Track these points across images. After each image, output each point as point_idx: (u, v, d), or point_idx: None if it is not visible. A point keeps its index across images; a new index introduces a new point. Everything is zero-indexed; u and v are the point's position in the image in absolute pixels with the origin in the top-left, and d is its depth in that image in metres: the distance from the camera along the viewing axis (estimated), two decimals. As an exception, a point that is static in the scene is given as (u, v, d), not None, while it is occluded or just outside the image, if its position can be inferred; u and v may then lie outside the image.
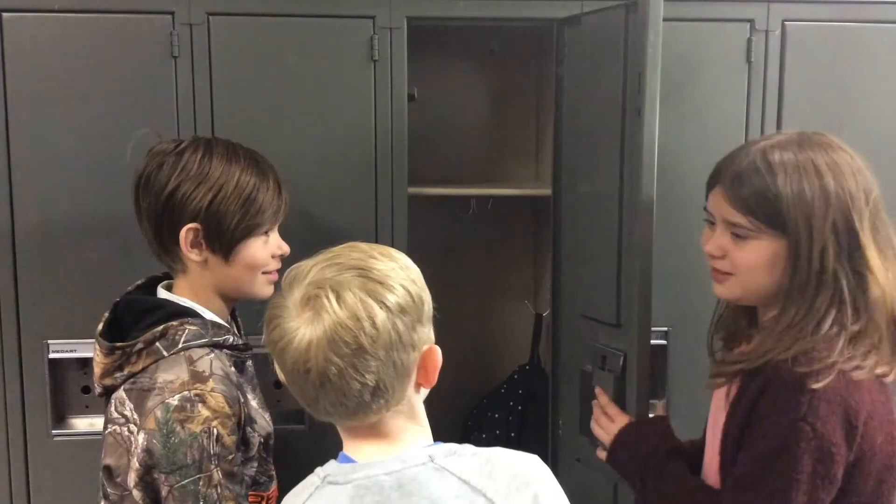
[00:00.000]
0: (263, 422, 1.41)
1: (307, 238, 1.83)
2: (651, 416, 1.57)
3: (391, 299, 1.00)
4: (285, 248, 1.48)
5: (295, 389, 1.04)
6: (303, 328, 0.99)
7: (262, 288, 1.45)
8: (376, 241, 1.85)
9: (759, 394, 1.21)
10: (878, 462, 1.21)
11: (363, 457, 1.03)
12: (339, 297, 0.99)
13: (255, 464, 1.36)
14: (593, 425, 1.56)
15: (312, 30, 1.81)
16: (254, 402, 1.41)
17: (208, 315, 1.39)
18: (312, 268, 1.04)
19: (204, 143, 1.40)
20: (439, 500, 0.98)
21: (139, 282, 1.47)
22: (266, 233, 1.42)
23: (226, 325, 1.42)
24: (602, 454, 1.51)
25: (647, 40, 1.49)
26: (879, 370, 1.20)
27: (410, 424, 1.06)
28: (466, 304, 2.42)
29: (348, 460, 1.04)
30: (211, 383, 1.26)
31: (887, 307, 1.21)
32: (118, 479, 1.29)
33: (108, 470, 1.31)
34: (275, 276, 1.47)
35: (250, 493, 1.36)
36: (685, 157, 1.92)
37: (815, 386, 1.15)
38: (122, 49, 1.77)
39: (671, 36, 1.88)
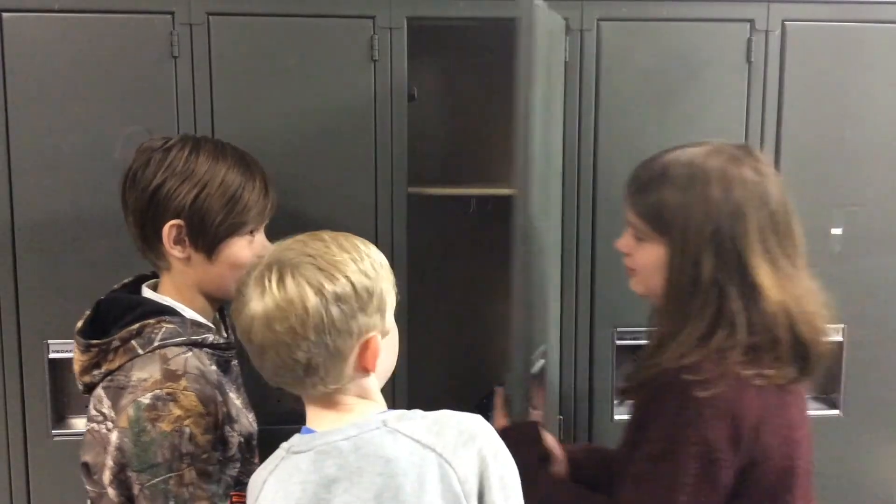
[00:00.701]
0: (246, 422, 1.40)
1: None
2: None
3: (329, 288, 1.07)
4: (271, 249, 1.47)
5: (248, 352, 1.13)
6: (252, 302, 1.08)
7: None
8: (376, 242, 1.85)
9: (651, 399, 1.25)
10: (775, 466, 1.23)
11: (322, 426, 1.11)
12: (280, 280, 1.08)
13: (238, 465, 1.35)
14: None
15: (312, 30, 1.81)
16: (237, 402, 1.40)
17: (189, 314, 1.39)
18: (277, 248, 1.14)
19: (192, 141, 1.40)
20: (393, 459, 1.06)
21: (126, 280, 1.47)
22: (251, 232, 1.42)
23: (207, 323, 1.41)
24: None
25: (522, 48, 1.52)
26: (781, 380, 1.23)
27: (364, 400, 1.14)
28: (466, 303, 2.42)
29: (309, 431, 1.12)
30: (184, 382, 1.26)
31: (786, 321, 1.22)
32: (95, 477, 1.29)
33: (86, 467, 1.31)
34: None
35: (235, 493, 1.34)
36: (685, 157, 1.92)
37: (702, 395, 1.18)
38: (122, 49, 1.77)
39: (671, 36, 1.90)
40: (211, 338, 1.38)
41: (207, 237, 1.37)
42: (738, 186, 1.23)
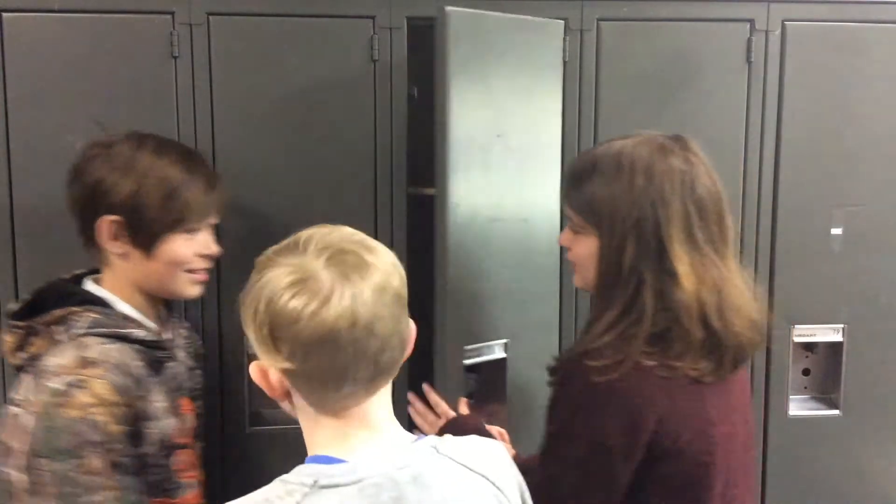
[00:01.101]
0: (168, 426, 1.37)
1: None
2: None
3: (398, 268, 1.04)
4: (213, 249, 1.46)
5: (316, 363, 0.95)
6: (341, 286, 0.94)
7: (185, 287, 1.44)
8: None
9: (558, 383, 1.28)
10: (689, 462, 1.22)
11: (350, 450, 0.98)
12: (372, 251, 1.00)
13: (157, 470, 1.34)
14: (418, 419, 1.65)
15: (312, 30, 1.81)
16: (161, 403, 1.37)
17: (124, 308, 1.39)
18: (312, 237, 1.01)
19: (137, 137, 1.41)
20: (453, 488, 0.98)
21: (77, 271, 1.48)
22: (192, 230, 1.41)
23: (139, 319, 1.40)
24: None
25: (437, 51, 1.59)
26: (693, 372, 1.22)
27: (389, 413, 1.04)
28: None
29: (332, 460, 0.97)
30: (99, 370, 1.26)
31: (697, 311, 1.21)
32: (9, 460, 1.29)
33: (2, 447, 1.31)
34: (201, 276, 1.45)
35: (156, 499, 1.34)
36: (685, 157, 1.92)
37: (598, 380, 1.18)
38: (122, 49, 1.77)
39: (671, 36, 1.90)
40: (137, 333, 1.36)
41: (145, 233, 1.37)
42: (664, 175, 1.23)
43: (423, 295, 2.04)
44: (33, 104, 1.77)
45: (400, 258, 1.83)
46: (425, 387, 1.67)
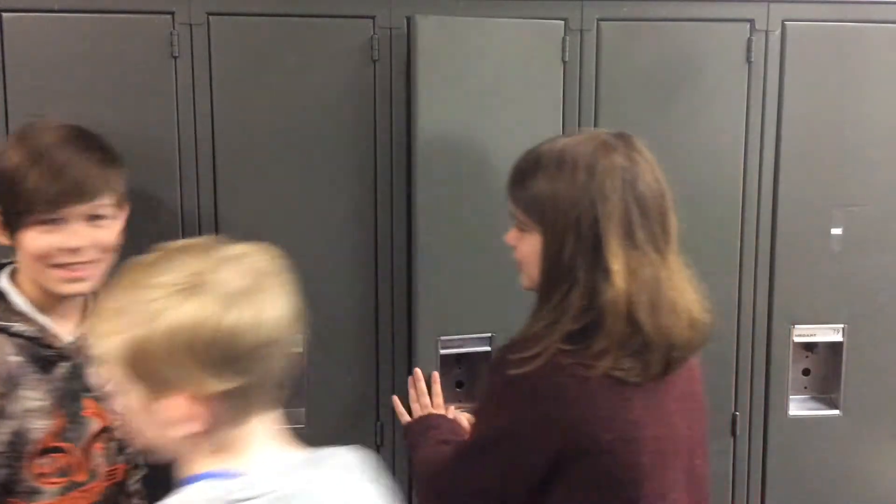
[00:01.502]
0: (34, 427, 1.33)
1: (307, 238, 1.84)
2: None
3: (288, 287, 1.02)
4: (73, 244, 1.34)
5: (245, 367, 0.92)
6: (270, 300, 0.95)
7: (54, 283, 1.35)
8: (375, 242, 1.86)
9: (486, 373, 1.31)
10: (611, 462, 1.20)
11: (248, 464, 0.95)
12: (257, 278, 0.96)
13: (6, 471, 1.32)
14: (414, 405, 1.73)
15: (312, 30, 1.81)
16: (35, 402, 1.33)
17: (15, 299, 1.36)
18: (187, 253, 0.96)
19: (21, 127, 1.40)
20: (350, 497, 0.98)
21: (5, 260, 1.46)
22: (49, 221, 1.32)
23: (27, 312, 1.36)
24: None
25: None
26: (618, 372, 1.19)
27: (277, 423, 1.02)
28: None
29: (228, 475, 0.93)
30: None
31: (625, 309, 1.19)
32: None
33: None
34: (69, 273, 1.35)
35: (9, 499, 1.32)
36: (685, 157, 1.92)
37: (513, 373, 1.18)
38: (122, 49, 1.77)
39: (671, 36, 1.90)
40: (18, 327, 1.33)
41: (6, 224, 1.35)
42: (605, 172, 1.22)
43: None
44: (33, 104, 1.76)
45: (400, 258, 1.87)
46: (415, 372, 1.74)
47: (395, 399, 1.78)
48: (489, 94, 1.85)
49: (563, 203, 1.22)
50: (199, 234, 1.83)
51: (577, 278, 1.20)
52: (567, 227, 1.21)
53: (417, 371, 1.77)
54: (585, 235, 1.20)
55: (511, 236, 1.33)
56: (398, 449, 1.89)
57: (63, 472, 1.37)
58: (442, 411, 1.70)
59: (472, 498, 1.27)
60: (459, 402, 1.94)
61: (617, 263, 1.19)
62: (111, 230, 1.41)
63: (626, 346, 1.20)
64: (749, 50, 1.91)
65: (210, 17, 1.78)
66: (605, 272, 1.19)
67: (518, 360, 1.19)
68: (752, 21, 1.91)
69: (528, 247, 1.28)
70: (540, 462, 1.20)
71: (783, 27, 1.92)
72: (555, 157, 1.25)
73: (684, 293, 1.25)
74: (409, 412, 1.75)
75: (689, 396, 1.32)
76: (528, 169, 1.28)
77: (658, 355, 1.21)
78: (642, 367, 1.21)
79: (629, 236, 1.21)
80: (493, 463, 1.23)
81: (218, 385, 0.91)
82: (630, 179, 1.23)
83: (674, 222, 1.27)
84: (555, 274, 1.23)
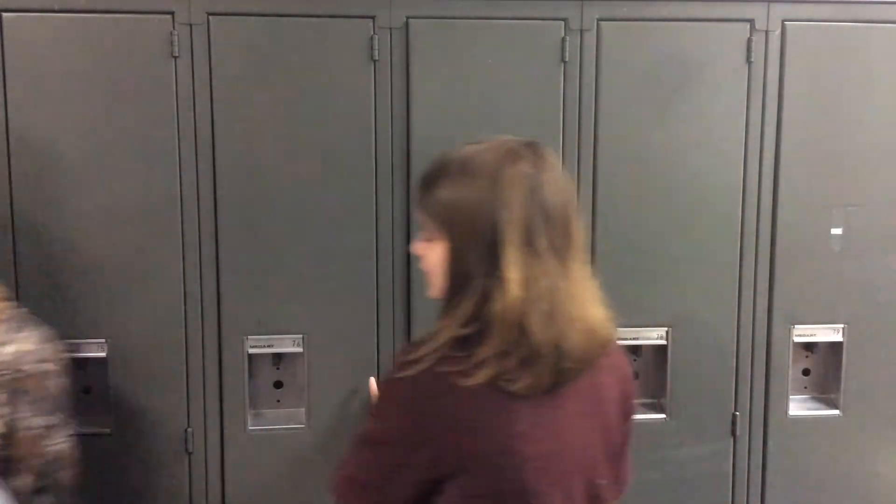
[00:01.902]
0: None
1: (307, 238, 1.84)
2: None
3: None
4: None
5: None
6: None
7: None
8: (376, 242, 1.87)
9: None
10: (494, 475, 1.17)
11: None
12: None
13: None
14: None
15: (312, 30, 1.81)
16: None
17: None
18: None
19: None
20: None
21: None
22: None
23: None
24: None
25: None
26: (503, 382, 1.17)
27: None
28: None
29: None
30: None
31: (516, 319, 1.17)
32: None
33: None
34: None
35: None
36: (685, 157, 1.92)
37: (396, 376, 1.18)
38: (122, 49, 1.77)
39: (671, 36, 1.90)
40: None
41: None
42: (508, 179, 1.20)
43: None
44: (33, 104, 1.77)
45: (400, 257, 1.87)
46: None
47: (372, 380, 1.73)
48: (489, 94, 1.85)
49: (466, 210, 1.20)
50: (199, 233, 1.83)
51: (474, 285, 1.19)
52: (468, 233, 1.20)
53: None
54: (485, 242, 1.19)
55: (417, 246, 1.31)
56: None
57: None
58: None
59: (362, 489, 1.24)
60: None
61: (513, 271, 1.17)
62: None
63: (513, 355, 1.17)
64: (749, 50, 1.91)
65: (210, 17, 1.78)
66: (500, 280, 1.17)
67: (404, 363, 1.18)
68: (752, 21, 1.91)
69: (433, 256, 1.26)
70: (417, 468, 1.18)
71: (783, 27, 1.92)
72: (459, 164, 1.24)
73: (584, 304, 1.23)
74: None
75: (594, 411, 1.27)
76: (433, 176, 1.26)
77: (549, 367, 1.18)
78: (532, 378, 1.17)
79: (529, 244, 1.19)
80: (374, 460, 1.22)
81: None
82: (534, 188, 1.20)
83: (579, 232, 1.24)
84: (455, 281, 1.21)
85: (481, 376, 1.15)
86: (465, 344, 1.17)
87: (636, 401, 1.36)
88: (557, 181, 1.23)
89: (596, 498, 1.26)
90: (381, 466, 1.20)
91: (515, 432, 1.17)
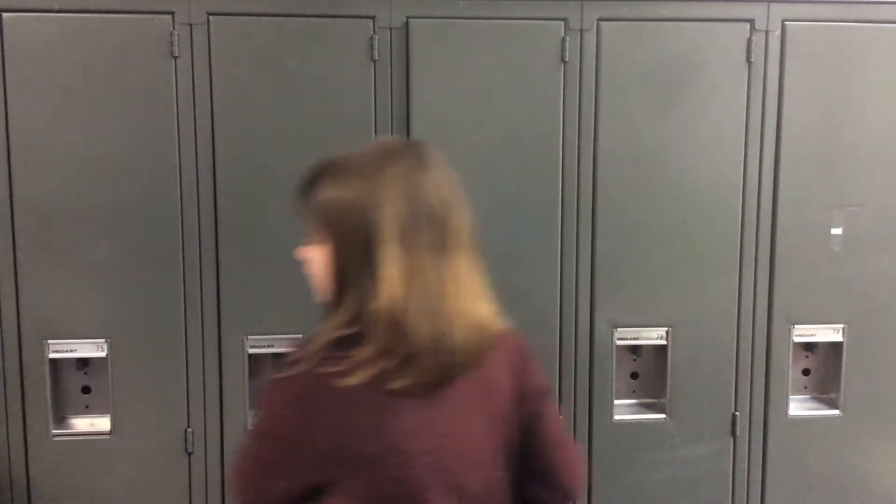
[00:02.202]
0: None
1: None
2: None
3: None
4: None
5: None
6: None
7: None
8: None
9: None
10: (382, 475, 1.18)
11: None
12: None
13: None
14: None
15: (312, 30, 1.81)
16: None
17: None
18: None
19: None
20: None
21: None
22: None
23: None
24: None
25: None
26: (384, 381, 1.17)
27: None
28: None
29: None
30: None
31: (394, 318, 1.17)
32: None
33: None
34: None
35: None
36: (685, 157, 1.92)
37: (277, 376, 1.19)
38: (122, 49, 1.77)
39: (671, 36, 1.90)
40: None
41: None
42: (385, 179, 1.21)
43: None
44: (33, 104, 1.77)
45: (400, 258, 1.87)
46: None
47: None
48: (489, 94, 1.85)
49: (344, 210, 1.21)
50: (199, 233, 1.83)
51: (354, 285, 1.20)
52: (347, 234, 1.20)
53: None
54: (363, 242, 1.19)
55: (303, 250, 1.30)
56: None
57: None
58: None
59: (254, 482, 1.24)
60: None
61: (391, 270, 1.17)
62: None
63: (394, 354, 1.17)
64: (749, 50, 1.91)
65: (210, 17, 1.78)
66: (377, 279, 1.17)
67: (286, 364, 1.19)
68: (752, 21, 1.91)
69: (317, 258, 1.26)
70: (300, 468, 1.19)
71: (783, 27, 1.92)
72: (339, 165, 1.25)
73: (469, 300, 1.23)
74: None
75: (485, 406, 1.27)
76: (314, 178, 1.26)
77: (431, 364, 1.19)
78: (414, 376, 1.18)
79: (408, 243, 1.19)
80: (259, 455, 1.23)
81: None
82: (413, 187, 1.21)
83: (463, 230, 1.25)
84: (338, 283, 1.22)
85: (361, 376, 1.16)
86: (347, 344, 1.17)
87: (541, 390, 1.35)
88: (438, 180, 1.24)
89: (491, 491, 1.27)
90: (265, 461, 1.21)
91: (397, 431, 1.18)
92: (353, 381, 1.15)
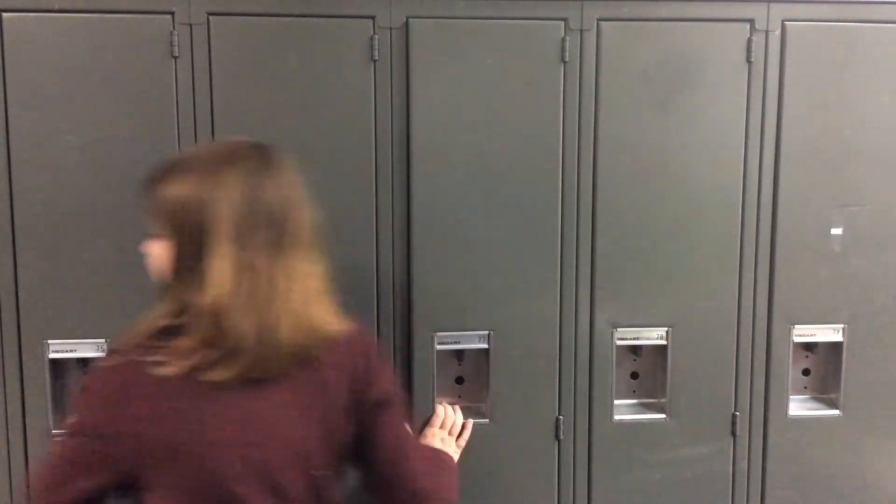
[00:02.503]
0: None
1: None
2: None
3: None
4: None
5: None
6: None
7: None
8: (376, 243, 1.87)
9: None
10: (194, 466, 1.20)
11: None
12: None
13: None
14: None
15: (312, 30, 1.81)
16: None
17: None
18: None
19: None
20: None
21: None
22: None
23: None
24: None
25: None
26: (202, 372, 1.19)
27: None
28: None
29: None
30: None
31: (215, 313, 1.19)
32: None
33: None
34: None
35: None
36: (685, 157, 1.92)
37: (99, 364, 1.23)
38: (122, 49, 1.77)
39: (671, 36, 1.90)
40: None
41: None
42: (223, 178, 1.23)
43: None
44: (33, 104, 1.77)
45: (400, 258, 1.87)
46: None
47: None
48: (489, 94, 1.85)
49: (181, 206, 1.23)
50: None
51: (185, 278, 1.22)
52: (182, 229, 1.23)
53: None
54: (197, 238, 1.21)
55: (146, 245, 1.32)
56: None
57: None
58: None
59: (53, 481, 1.24)
60: (459, 397, 1.96)
61: (220, 265, 1.20)
62: None
63: (215, 347, 1.19)
64: (749, 50, 1.91)
65: (210, 17, 1.78)
66: (206, 273, 1.20)
67: (109, 352, 1.23)
68: (752, 21, 1.91)
69: (156, 253, 1.28)
70: (113, 460, 1.20)
71: (783, 27, 1.92)
72: (181, 163, 1.27)
73: (299, 301, 1.25)
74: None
75: (314, 405, 1.29)
76: (156, 174, 1.28)
77: (252, 359, 1.21)
78: (233, 369, 1.20)
79: (241, 241, 1.21)
80: (63, 455, 1.23)
81: None
82: (253, 187, 1.24)
83: (303, 232, 1.27)
84: (171, 276, 1.25)
85: (179, 366, 1.18)
86: (170, 334, 1.20)
87: (381, 400, 1.35)
88: (280, 182, 1.27)
89: (316, 489, 1.28)
90: (77, 457, 1.21)
91: (208, 422, 1.20)
92: (170, 370, 1.18)
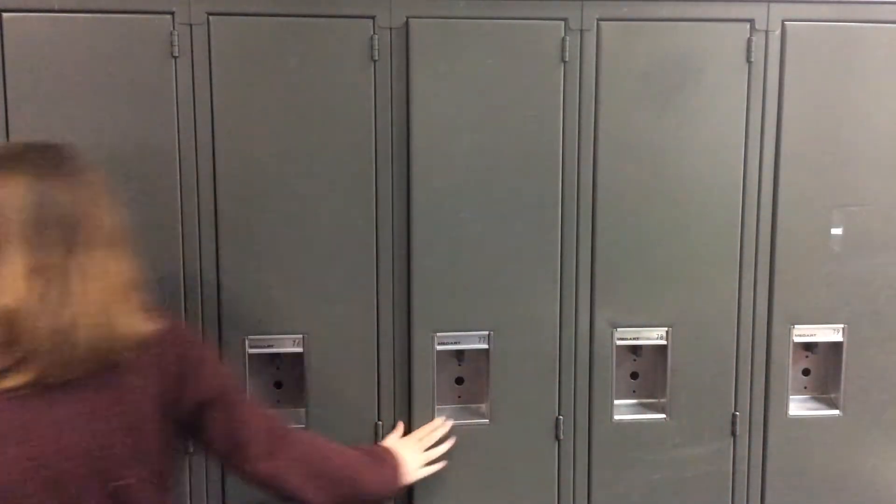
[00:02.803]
0: None
1: (307, 238, 1.84)
2: None
3: None
4: None
5: None
6: None
7: None
8: (376, 243, 1.87)
9: None
10: None
11: None
12: None
13: None
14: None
15: (312, 30, 1.81)
16: None
17: None
18: None
19: None
20: None
21: None
22: None
23: None
24: None
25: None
26: None
27: None
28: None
29: None
30: None
31: (8, 319, 1.17)
32: None
33: None
34: None
35: None
36: (685, 157, 1.92)
37: None
38: (122, 49, 1.77)
39: (671, 36, 1.90)
40: None
41: None
42: (10, 180, 1.21)
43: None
44: (33, 104, 1.77)
45: (401, 258, 1.87)
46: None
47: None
48: (489, 94, 1.85)
49: None
50: (199, 233, 1.83)
51: None
52: None
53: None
54: None
55: None
56: (398, 449, 1.89)
57: None
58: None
59: None
60: (459, 397, 1.96)
61: (10, 269, 1.18)
62: None
63: (8, 353, 1.17)
64: (749, 50, 1.91)
65: (210, 17, 1.78)
66: None
67: None
68: (752, 21, 1.91)
69: None
70: None
71: (783, 27, 1.92)
72: None
73: (98, 302, 1.23)
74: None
75: (117, 412, 1.26)
76: None
77: (47, 364, 1.19)
78: (28, 375, 1.19)
79: (33, 242, 1.19)
80: None
81: None
82: (43, 188, 1.22)
83: (102, 231, 1.25)
84: None
85: None
86: None
87: (206, 399, 1.35)
88: (72, 181, 1.24)
89: (119, 499, 1.26)
90: None
91: (7, 436, 1.18)
92: None
